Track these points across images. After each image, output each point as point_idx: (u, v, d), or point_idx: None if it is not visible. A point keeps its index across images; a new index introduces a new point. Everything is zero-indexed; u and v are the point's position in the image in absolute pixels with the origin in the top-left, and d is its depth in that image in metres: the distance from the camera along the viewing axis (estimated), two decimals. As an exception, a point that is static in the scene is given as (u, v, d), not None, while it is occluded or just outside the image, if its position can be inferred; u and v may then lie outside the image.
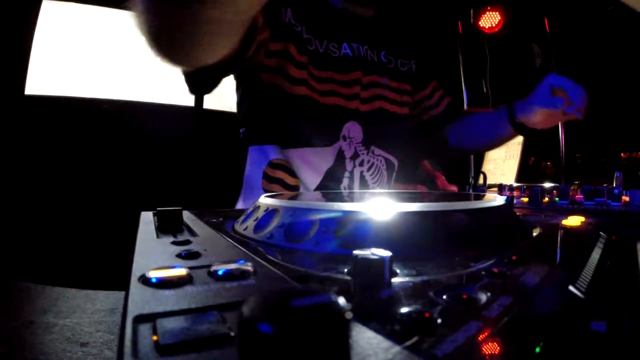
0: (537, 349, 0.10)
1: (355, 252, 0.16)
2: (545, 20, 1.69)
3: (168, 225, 0.28)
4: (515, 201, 0.57)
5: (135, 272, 0.15)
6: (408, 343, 0.10)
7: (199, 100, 1.70)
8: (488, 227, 0.25)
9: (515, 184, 0.91)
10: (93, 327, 0.30)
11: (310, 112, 0.70)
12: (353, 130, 0.73)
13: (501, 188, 0.73)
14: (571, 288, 0.16)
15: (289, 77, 0.68)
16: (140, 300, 0.12)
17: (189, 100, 1.65)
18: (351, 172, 0.74)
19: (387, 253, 0.15)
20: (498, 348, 0.11)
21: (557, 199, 0.56)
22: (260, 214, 0.28)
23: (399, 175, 0.84)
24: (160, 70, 1.33)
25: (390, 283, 0.15)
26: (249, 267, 0.16)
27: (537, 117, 0.71)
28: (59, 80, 1.46)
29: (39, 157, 1.40)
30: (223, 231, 0.28)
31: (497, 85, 1.87)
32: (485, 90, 1.87)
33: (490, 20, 1.79)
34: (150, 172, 1.53)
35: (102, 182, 1.47)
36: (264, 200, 0.29)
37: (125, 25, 1.35)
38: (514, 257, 0.20)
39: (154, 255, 0.19)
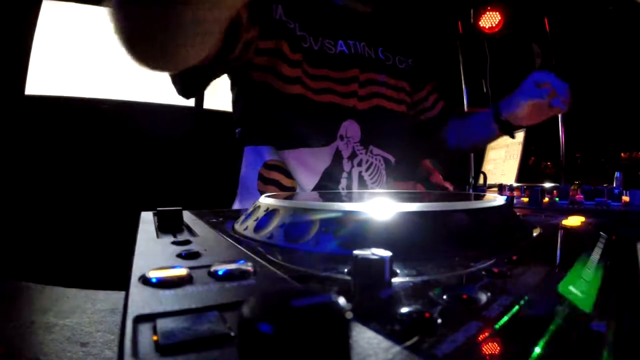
0: (537, 349, 0.10)
1: (355, 252, 0.16)
2: (545, 20, 1.69)
3: (168, 225, 0.28)
4: (515, 201, 0.57)
5: (136, 272, 0.15)
6: (408, 343, 0.10)
7: (199, 100, 1.70)
8: (488, 227, 0.25)
9: (515, 184, 0.91)
10: (93, 327, 0.30)
11: (306, 112, 0.68)
12: (351, 129, 0.72)
13: (501, 188, 0.73)
14: (571, 288, 0.16)
15: (281, 76, 0.66)
16: (141, 300, 0.12)
17: (189, 100, 1.65)
18: (349, 173, 0.72)
19: (387, 253, 0.15)
20: (498, 348, 0.11)
21: (557, 199, 0.56)
22: (260, 214, 0.28)
23: (396, 173, 0.83)
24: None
25: (390, 283, 0.15)
26: (249, 267, 0.16)
27: (524, 111, 0.71)
28: (59, 80, 1.46)
29: (39, 157, 1.40)
30: (223, 231, 0.28)
31: (497, 85, 1.87)
32: (485, 90, 1.87)
33: (490, 20, 1.79)
34: (150, 172, 1.53)
35: (102, 182, 1.47)
36: (264, 200, 0.29)
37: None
38: (514, 257, 0.20)
39: (154, 255, 0.19)
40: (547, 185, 0.82)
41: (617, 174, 0.87)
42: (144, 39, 0.37)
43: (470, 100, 1.99)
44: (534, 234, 0.29)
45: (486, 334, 0.11)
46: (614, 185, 0.87)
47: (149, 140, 1.53)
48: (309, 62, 0.68)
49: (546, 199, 0.56)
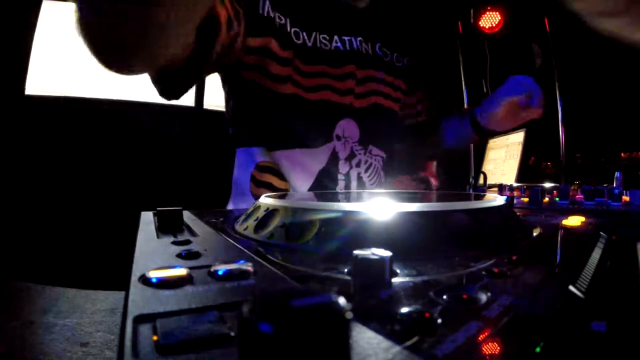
0: (537, 349, 0.10)
1: (355, 252, 0.16)
2: (545, 20, 1.69)
3: (168, 225, 0.28)
4: (515, 201, 0.57)
5: (136, 272, 0.15)
6: (408, 343, 0.10)
7: (199, 100, 1.70)
8: (488, 227, 0.25)
9: (515, 184, 0.91)
10: (93, 327, 0.30)
11: (298, 111, 0.65)
12: (348, 128, 0.69)
13: (501, 188, 0.73)
14: (571, 288, 0.16)
15: (271, 75, 0.63)
16: (141, 300, 0.12)
17: (189, 100, 1.65)
18: (347, 174, 0.70)
19: (387, 253, 0.15)
20: (498, 348, 0.11)
21: (557, 199, 0.56)
22: (260, 214, 0.28)
23: (389, 168, 0.80)
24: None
25: (390, 283, 0.15)
26: (249, 267, 0.16)
27: (500, 112, 0.73)
28: (59, 80, 1.46)
29: (39, 157, 1.40)
30: (223, 231, 0.28)
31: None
32: (485, 90, 1.87)
33: (490, 20, 1.79)
34: (151, 172, 1.53)
35: (102, 182, 1.47)
36: (264, 200, 0.29)
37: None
38: (514, 257, 0.20)
39: (154, 255, 0.19)
40: (547, 185, 0.82)
41: (617, 174, 0.87)
42: (110, 37, 0.35)
43: (470, 100, 1.99)
44: (534, 234, 0.29)
45: (486, 334, 0.11)
46: (614, 185, 0.87)
47: (149, 140, 1.53)
48: (302, 59, 0.65)
49: (546, 199, 0.56)
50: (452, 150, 0.90)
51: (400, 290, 0.15)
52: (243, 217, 0.31)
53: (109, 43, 0.36)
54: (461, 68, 2.01)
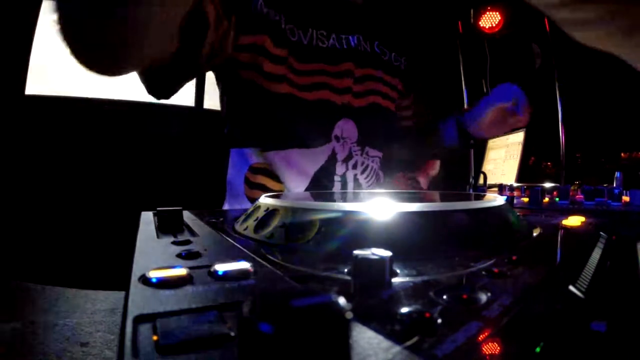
0: (537, 349, 0.10)
1: (355, 252, 0.16)
2: (545, 20, 1.69)
3: (168, 225, 0.28)
4: (515, 201, 0.57)
5: (136, 272, 0.15)
6: (408, 343, 0.10)
7: (199, 101, 1.70)
8: (488, 227, 0.25)
9: (515, 184, 0.91)
10: (93, 327, 0.30)
11: (294, 110, 0.64)
12: (347, 129, 0.68)
13: (501, 188, 0.73)
14: (571, 288, 0.16)
15: (264, 73, 0.62)
16: (141, 300, 0.12)
17: (189, 100, 1.65)
18: (343, 176, 0.69)
19: (387, 253, 0.15)
20: (498, 348, 0.10)
21: (557, 199, 0.56)
22: (260, 214, 0.28)
23: (386, 167, 0.79)
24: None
25: (390, 283, 0.15)
26: (249, 267, 0.16)
27: (487, 118, 0.74)
28: (59, 80, 1.46)
29: (39, 157, 1.40)
30: (223, 231, 0.28)
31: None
32: (485, 90, 1.87)
33: (490, 20, 1.79)
34: (151, 172, 1.53)
35: (102, 182, 1.47)
36: (264, 200, 0.29)
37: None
38: (514, 257, 0.20)
39: (154, 255, 0.19)
40: (547, 185, 0.82)
41: (617, 174, 0.87)
42: (90, 36, 0.34)
43: (470, 100, 1.99)
44: (534, 234, 0.29)
45: (486, 334, 0.11)
46: (614, 185, 0.87)
47: (150, 140, 1.53)
48: (297, 57, 0.63)
49: (546, 199, 0.56)
50: (454, 148, 0.90)
51: (400, 290, 0.15)
52: (243, 217, 0.31)
53: (89, 43, 0.36)
54: (461, 68, 2.01)
